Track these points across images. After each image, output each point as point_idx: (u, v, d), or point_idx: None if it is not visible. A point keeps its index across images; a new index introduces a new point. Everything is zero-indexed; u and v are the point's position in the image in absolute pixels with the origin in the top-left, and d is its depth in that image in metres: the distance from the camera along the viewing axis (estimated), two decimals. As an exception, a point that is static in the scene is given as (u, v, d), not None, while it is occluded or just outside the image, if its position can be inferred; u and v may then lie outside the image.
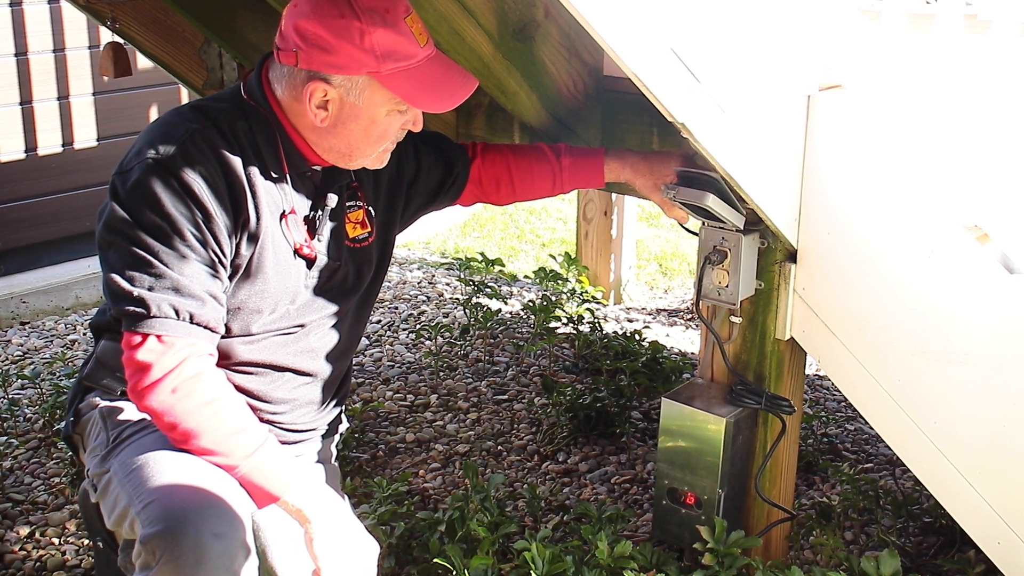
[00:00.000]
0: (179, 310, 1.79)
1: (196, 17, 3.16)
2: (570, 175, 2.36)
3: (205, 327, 1.83)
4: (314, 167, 1.99)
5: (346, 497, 2.24)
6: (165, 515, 1.72)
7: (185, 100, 5.13)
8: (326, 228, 2.03)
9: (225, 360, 1.96)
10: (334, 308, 2.08)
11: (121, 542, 2.22)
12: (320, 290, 2.04)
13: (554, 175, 2.36)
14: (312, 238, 2.00)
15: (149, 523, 1.73)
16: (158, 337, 1.78)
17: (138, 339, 1.79)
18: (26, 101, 4.65)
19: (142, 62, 4.21)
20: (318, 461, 2.22)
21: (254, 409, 2.01)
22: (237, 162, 1.87)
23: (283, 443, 2.11)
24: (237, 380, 1.98)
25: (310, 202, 2.00)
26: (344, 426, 2.31)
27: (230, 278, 1.90)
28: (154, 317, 1.78)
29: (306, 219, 2.00)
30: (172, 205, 1.80)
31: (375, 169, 2.11)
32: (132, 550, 2.20)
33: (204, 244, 1.82)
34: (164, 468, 1.81)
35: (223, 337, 1.93)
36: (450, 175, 2.32)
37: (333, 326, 2.10)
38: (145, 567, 1.72)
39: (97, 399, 2.02)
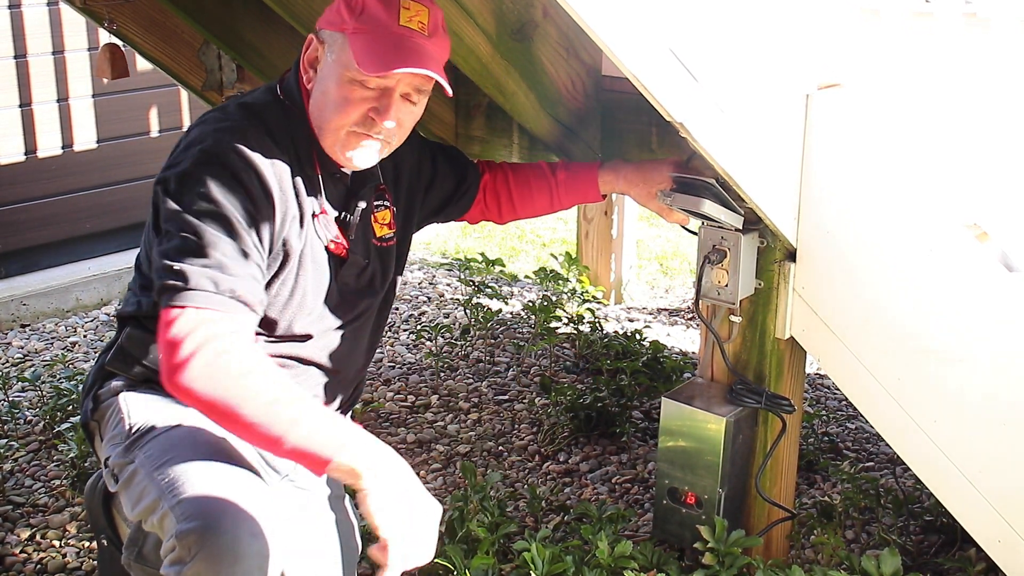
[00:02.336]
0: (219, 283, 1.77)
1: (195, 18, 3.16)
2: (566, 189, 2.39)
3: (244, 303, 1.80)
4: (343, 169, 2.02)
5: (348, 497, 2.24)
6: (202, 511, 1.71)
7: (185, 102, 5.14)
8: (356, 229, 2.06)
9: None
10: (362, 307, 2.11)
11: (126, 539, 2.22)
12: (351, 289, 2.08)
13: (551, 190, 2.39)
14: (344, 237, 2.04)
15: (185, 519, 1.71)
16: (197, 308, 1.74)
17: (175, 312, 1.74)
18: (25, 103, 4.65)
19: (141, 64, 4.21)
20: None
21: None
22: (282, 159, 1.90)
23: None
24: None
25: (341, 204, 2.04)
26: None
27: (276, 273, 1.93)
28: (192, 290, 1.75)
29: (337, 220, 2.03)
30: (220, 192, 1.81)
31: (396, 172, 2.16)
32: (135, 547, 2.20)
33: (249, 231, 1.83)
34: (198, 463, 1.81)
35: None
36: (462, 185, 2.35)
37: (360, 326, 2.13)
38: (178, 562, 1.71)
39: (119, 386, 1.99)
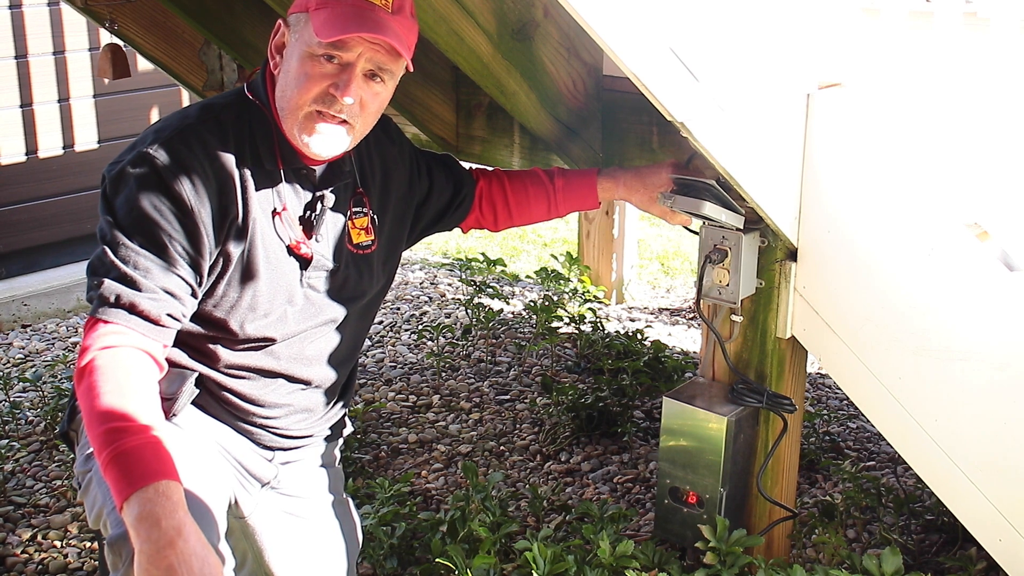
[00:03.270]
0: (121, 298, 1.79)
1: (195, 18, 3.16)
2: (564, 196, 2.36)
3: (146, 318, 1.80)
4: (310, 166, 1.98)
5: (350, 499, 2.24)
6: None
7: (186, 102, 5.14)
8: (326, 229, 2.01)
9: (213, 362, 1.96)
10: (334, 313, 2.05)
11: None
12: (319, 292, 2.02)
13: (548, 197, 2.36)
14: (309, 238, 1.98)
15: (116, 524, 1.71)
16: (103, 322, 1.78)
17: (89, 323, 1.80)
18: (27, 104, 4.66)
19: (142, 64, 4.22)
20: (321, 464, 2.20)
21: (247, 412, 2.01)
22: (229, 159, 1.87)
23: (279, 449, 2.10)
24: (228, 383, 1.98)
25: (307, 202, 1.98)
26: (348, 429, 2.30)
27: (220, 274, 1.90)
28: (102, 304, 1.79)
29: (302, 219, 1.98)
30: (146, 199, 1.81)
31: (384, 181, 2.11)
32: None
33: (173, 239, 1.82)
34: None
35: (212, 338, 1.93)
36: (458, 195, 2.31)
37: (333, 332, 2.07)
38: (113, 568, 1.72)
39: None
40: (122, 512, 1.57)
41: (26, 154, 4.69)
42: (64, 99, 4.77)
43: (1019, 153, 2.43)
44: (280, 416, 2.06)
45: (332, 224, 2.02)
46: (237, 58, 3.40)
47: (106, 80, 3.49)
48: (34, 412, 3.51)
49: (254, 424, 2.03)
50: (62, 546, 2.80)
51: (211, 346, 1.95)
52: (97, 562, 2.41)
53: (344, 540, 2.18)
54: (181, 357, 1.95)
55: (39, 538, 2.84)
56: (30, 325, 4.44)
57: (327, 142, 1.90)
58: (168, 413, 1.90)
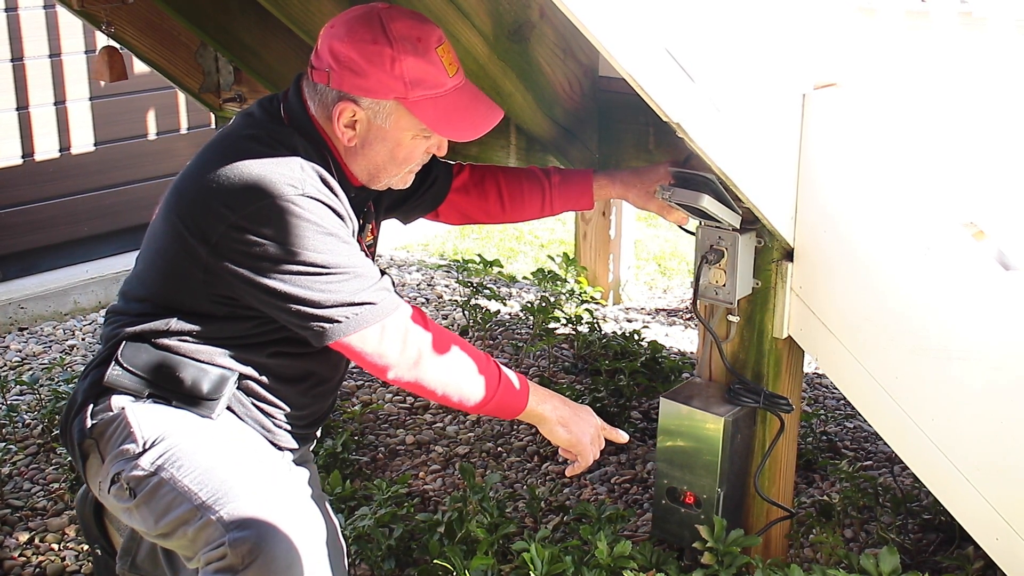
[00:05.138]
0: (387, 288, 1.94)
1: (192, 21, 3.16)
2: (559, 192, 2.39)
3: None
4: (356, 188, 2.04)
5: (326, 499, 2.25)
6: (255, 520, 1.77)
7: (182, 104, 5.13)
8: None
9: (255, 364, 2.00)
10: None
11: (120, 549, 2.22)
12: None
13: (543, 193, 2.39)
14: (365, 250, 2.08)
15: (236, 527, 1.76)
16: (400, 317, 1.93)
17: (374, 331, 1.90)
18: (23, 106, 4.65)
19: (138, 66, 4.21)
20: (308, 462, 2.26)
21: (273, 414, 2.06)
22: (332, 183, 1.95)
23: (290, 449, 2.13)
24: (264, 384, 2.03)
25: (359, 219, 2.07)
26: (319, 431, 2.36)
27: None
28: (375, 304, 1.90)
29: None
30: (332, 224, 1.89)
31: None
32: (128, 557, 2.21)
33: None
34: (237, 474, 1.86)
35: (262, 342, 1.98)
36: (427, 178, 2.34)
37: None
38: (228, 569, 1.75)
39: (121, 401, 1.96)
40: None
41: (22, 157, 4.68)
42: (60, 102, 4.76)
43: (1016, 152, 2.43)
44: (303, 416, 2.12)
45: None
46: (233, 60, 3.40)
47: (103, 83, 3.48)
48: (31, 415, 3.51)
49: (277, 425, 2.07)
50: (59, 549, 2.80)
51: (263, 346, 1.99)
52: (92, 566, 2.40)
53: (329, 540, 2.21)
54: (224, 357, 1.97)
55: (36, 541, 2.84)
56: (27, 328, 4.43)
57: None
58: (211, 413, 1.97)
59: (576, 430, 2.10)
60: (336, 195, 1.93)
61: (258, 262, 1.84)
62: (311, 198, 1.86)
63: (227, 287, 1.89)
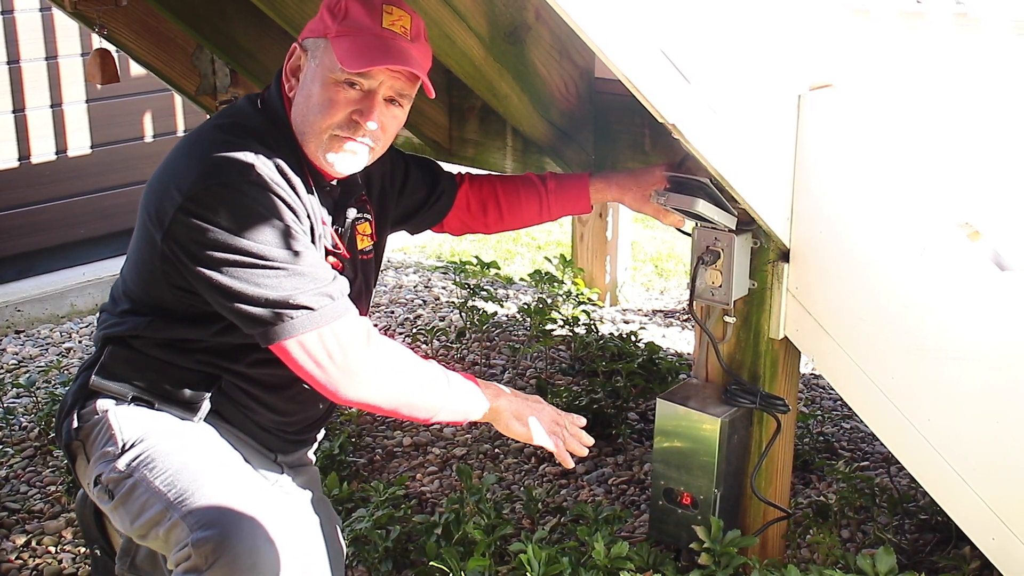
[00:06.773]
0: (331, 295, 1.84)
1: (188, 23, 3.16)
2: (556, 197, 2.39)
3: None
4: (331, 182, 2.02)
5: (327, 502, 2.25)
6: (218, 520, 1.75)
7: (179, 106, 5.14)
8: (347, 242, 2.07)
9: (242, 368, 1.98)
10: None
11: (119, 550, 2.23)
12: None
13: (540, 198, 2.39)
14: (343, 250, 2.05)
15: (200, 527, 1.75)
16: (346, 323, 1.85)
17: (311, 337, 1.80)
18: (19, 109, 4.65)
19: (135, 69, 4.22)
20: (308, 465, 2.25)
21: (262, 416, 2.05)
22: (290, 175, 1.90)
23: (282, 452, 2.13)
24: (252, 389, 2.01)
25: (331, 217, 2.04)
26: (321, 433, 2.34)
27: None
28: (313, 310, 1.80)
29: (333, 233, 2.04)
30: (278, 215, 1.83)
31: (370, 178, 2.15)
32: (127, 558, 2.20)
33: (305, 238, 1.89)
34: (205, 474, 1.84)
35: (245, 345, 1.95)
36: (434, 194, 2.35)
37: None
38: (194, 569, 1.74)
39: (105, 404, 1.98)
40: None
41: (19, 159, 4.68)
42: (57, 104, 4.76)
43: (1010, 153, 2.43)
44: (292, 423, 2.11)
45: (348, 236, 2.08)
46: (230, 62, 3.40)
47: (98, 85, 3.48)
48: (28, 418, 3.51)
49: (265, 429, 2.06)
50: (56, 552, 2.80)
51: (242, 352, 1.97)
52: (91, 567, 2.40)
53: (327, 540, 2.20)
54: (204, 364, 1.97)
55: (33, 544, 2.84)
56: (24, 330, 4.43)
57: (350, 162, 1.96)
58: (193, 417, 1.96)
59: (530, 422, 2.06)
60: (293, 187, 1.88)
61: (200, 249, 1.80)
62: (258, 185, 1.81)
63: (180, 276, 1.86)
